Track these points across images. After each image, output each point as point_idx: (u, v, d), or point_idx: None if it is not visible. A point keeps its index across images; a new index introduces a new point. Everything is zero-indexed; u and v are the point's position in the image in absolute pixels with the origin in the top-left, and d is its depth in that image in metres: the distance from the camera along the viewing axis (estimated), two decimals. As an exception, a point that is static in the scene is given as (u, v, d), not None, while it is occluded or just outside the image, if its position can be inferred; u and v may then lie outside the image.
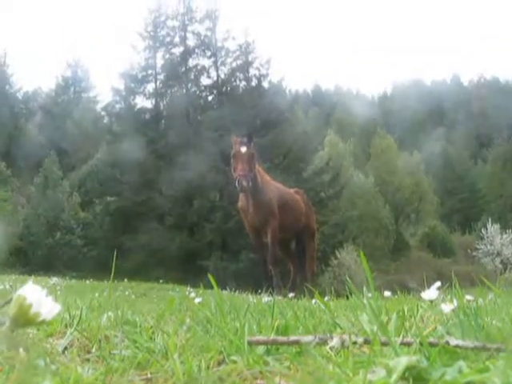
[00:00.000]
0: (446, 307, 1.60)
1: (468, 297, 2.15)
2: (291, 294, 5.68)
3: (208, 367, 1.07)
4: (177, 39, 36.92)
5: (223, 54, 36.36)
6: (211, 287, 1.46)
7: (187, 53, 36.37)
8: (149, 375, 1.04)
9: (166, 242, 30.61)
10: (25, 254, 31.68)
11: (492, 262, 35.11)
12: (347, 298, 3.31)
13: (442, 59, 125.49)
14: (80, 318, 1.69)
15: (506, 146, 53.51)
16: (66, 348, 1.35)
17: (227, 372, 0.98)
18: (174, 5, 36.98)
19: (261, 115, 33.21)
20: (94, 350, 1.34)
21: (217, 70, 36.37)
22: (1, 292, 8.19)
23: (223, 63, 36.50)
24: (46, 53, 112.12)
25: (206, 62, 36.59)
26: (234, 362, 1.07)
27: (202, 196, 32.07)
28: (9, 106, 46.12)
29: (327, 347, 1.06)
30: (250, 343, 1.11)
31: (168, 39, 36.74)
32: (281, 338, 1.11)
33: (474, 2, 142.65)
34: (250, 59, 35.74)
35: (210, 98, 37.54)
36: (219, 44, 36.34)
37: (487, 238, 36.36)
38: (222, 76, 36.38)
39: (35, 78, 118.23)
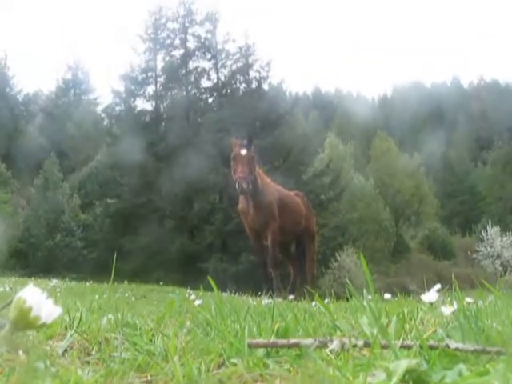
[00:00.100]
0: (446, 310, 1.60)
1: (468, 299, 2.14)
2: (291, 297, 5.69)
3: (208, 370, 1.07)
4: (177, 41, 36.97)
5: (223, 56, 36.39)
6: (211, 289, 1.46)
7: (187, 55, 36.40)
8: (149, 378, 1.04)
9: (166, 244, 30.59)
10: (25, 256, 31.68)
11: (492, 265, 35.10)
12: (347, 300, 3.32)
13: (442, 61, 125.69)
14: (80, 320, 1.69)
15: (506, 148, 53.53)
16: (65, 350, 1.35)
17: (227, 375, 0.98)
18: (174, 7, 37.03)
19: (261, 117, 33.22)
20: (94, 352, 1.34)
21: (217, 72, 36.40)
22: (1, 294, 8.19)
23: (223, 65, 36.54)
24: (46, 55, 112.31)
25: (206, 65, 36.65)
26: (234, 364, 1.07)
27: (202, 198, 32.07)
28: (9, 107, 46.16)
29: (327, 350, 1.06)
30: (250, 346, 1.11)
31: (168, 41, 36.78)
32: (281, 341, 1.12)
33: (474, 5, 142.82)
34: (250, 61, 35.78)
35: (210, 100, 37.57)
36: (219, 46, 36.39)
37: (487, 240, 36.36)
38: (222, 78, 36.42)
39: (36, 80, 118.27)
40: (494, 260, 35.22)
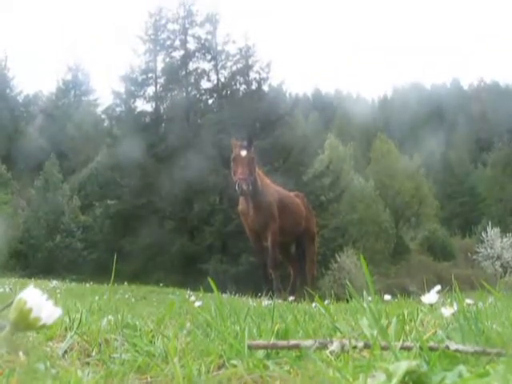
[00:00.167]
0: (446, 311, 1.60)
1: (468, 300, 2.14)
2: (291, 298, 5.69)
3: (208, 371, 1.07)
4: (177, 43, 36.98)
5: (223, 57, 36.41)
6: (211, 290, 1.46)
7: (187, 56, 36.42)
8: (149, 379, 1.04)
9: (166, 245, 30.59)
10: (25, 257, 31.67)
11: (492, 266, 35.09)
12: (347, 301, 3.32)
13: (442, 63, 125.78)
14: (80, 321, 1.69)
15: (506, 149, 53.53)
16: (66, 351, 1.35)
17: (227, 376, 0.98)
18: (174, 8, 37.04)
19: (261, 118, 33.23)
20: (94, 353, 1.34)
21: (217, 73, 36.42)
22: (1, 295, 8.19)
23: (223, 67, 36.56)
24: (46, 56, 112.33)
25: (206, 66, 36.67)
26: (234, 366, 1.07)
27: (202, 199, 32.07)
28: (9, 109, 46.15)
29: (327, 351, 1.06)
30: (250, 347, 1.11)
31: (168, 42, 36.80)
32: (281, 342, 1.12)
33: (474, 6, 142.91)
34: (250, 63, 35.80)
35: (210, 101, 37.58)
36: (219, 47, 36.41)
37: (487, 241, 36.35)
38: (222, 79, 36.43)
39: (36, 81, 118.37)
40: (494, 261, 35.21)
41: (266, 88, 36.01)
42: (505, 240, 35.74)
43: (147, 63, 36.47)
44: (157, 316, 2.28)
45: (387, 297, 3.55)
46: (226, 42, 36.29)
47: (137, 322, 1.81)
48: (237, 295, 8.88)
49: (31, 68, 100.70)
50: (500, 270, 34.00)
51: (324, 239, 27.06)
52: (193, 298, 5.15)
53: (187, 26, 36.67)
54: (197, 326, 1.63)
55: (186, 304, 3.60)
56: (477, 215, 49.81)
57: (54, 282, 14.75)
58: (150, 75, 36.45)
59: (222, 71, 36.51)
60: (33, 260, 31.15)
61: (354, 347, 1.04)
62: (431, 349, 0.97)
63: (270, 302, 3.73)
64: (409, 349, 1.00)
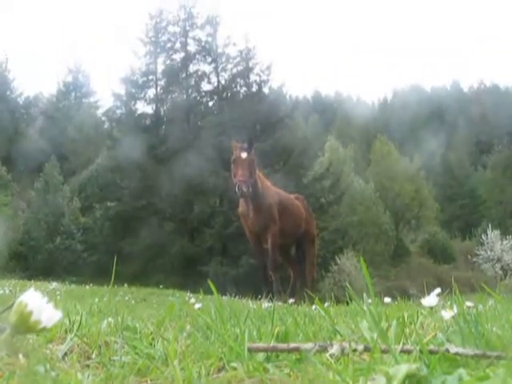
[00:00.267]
0: (446, 314, 1.60)
1: (468, 303, 2.14)
2: (291, 300, 5.68)
3: (208, 374, 1.07)
4: (178, 45, 37.02)
5: (224, 59, 36.45)
6: (211, 293, 1.46)
7: (188, 58, 36.46)
8: (149, 382, 1.04)
9: (166, 247, 30.58)
10: (25, 259, 31.66)
11: (492, 268, 35.07)
12: (347, 304, 3.31)
13: (441, 65, 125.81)
14: (80, 323, 1.69)
15: (506, 152, 53.52)
16: (65, 354, 1.34)
17: (227, 379, 0.98)
18: (175, 11, 37.08)
19: (261, 121, 33.26)
20: (94, 356, 1.34)
21: (217, 75, 36.45)
22: (1, 297, 8.18)
23: (224, 69, 36.60)
24: (47, 58, 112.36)
25: (206, 68, 36.70)
26: (234, 368, 1.07)
27: (203, 201, 32.08)
28: (10, 110, 46.16)
29: (327, 354, 1.06)
30: (250, 350, 1.11)
31: (169, 45, 36.84)
32: (281, 345, 1.11)
33: (474, 8, 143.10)
34: (250, 65, 35.83)
35: (210, 103, 37.62)
36: (220, 50, 36.45)
37: (487, 243, 36.33)
38: (223, 82, 36.46)
39: (36, 83, 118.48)
40: (494, 264, 35.18)
41: (266, 90, 36.07)
42: (505, 242, 35.72)
43: (148, 65, 36.52)
44: (157, 318, 2.28)
45: (387, 299, 3.55)
46: (226, 44, 36.37)
47: (137, 325, 1.81)
48: (237, 297, 8.88)
49: (32, 70, 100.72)
50: (500, 272, 33.97)
51: (324, 241, 27.06)
52: (193, 300, 5.15)
53: (188, 28, 36.72)
54: (197, 328, 1.63)
55: (186, 306, 3.60)
56: (477, 218, 49.80)
57: (54, 284, 14.74)
58: (150, 77, 36.49)
59: (223, 73, 36.57)
60: (33, 262, 31.13)
61: (354, 350, 1.04)
62: (431, 352, 0.97)
63: (269, 304, 3.72)
64: (409, 352, 1.00)
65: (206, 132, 31.93)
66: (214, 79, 36.57)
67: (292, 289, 9.39)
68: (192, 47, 36.84)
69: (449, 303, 2.25)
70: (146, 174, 32.33)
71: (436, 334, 1.27)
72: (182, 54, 36.69)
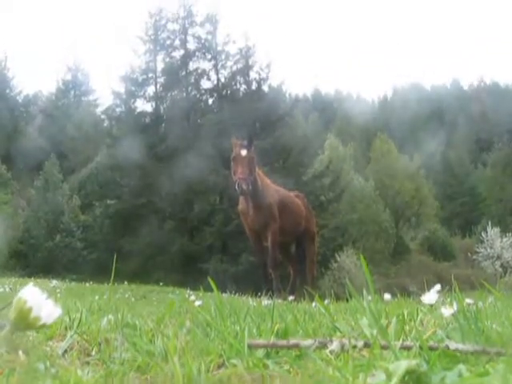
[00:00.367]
0: (446, 311, 1.60)
1: (468, 300, 2.14)
2: (291, 297, 5.68)
3: (208, 370, 1.07)
4: (177, 42, 36.98)
5: (223, 57, 36.41)
6: (211, 290, 1.46)
7: (187, 56, 36.42)
8: (149, 378, 1.04)
9: (166, 245, 30.59)
10: (25, 257, 31.67)
11: (492, 266, 35.10)
12: (347, 301, 3.31)
13: (441, 63, 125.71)
14: (80, 320, 1.69)
15: (506, 150, 53.52)
16: (65, 351, 1.35)
17: (227, 375, 0.98)
18: (174, 8, 37.04)
19: (261, 119, 33.24)
20: (93, 353, 1.34)
21: (217, 73, 36.41)
22: (1, 295, 8.19)
23: (223, 67, 36.56)
24: (46, 56, 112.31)
25: (206, 66, 36.66)
26: (234, 365, 1.07)
27: (202, 199, 32.06)
28: (9, 109, 46.13)
29: (327, 351, 1.06)
30: (249, 346, 1.11)
31: (168, 42, 36.79)
32: (281, 342, 1.12)
33: (474, 7, 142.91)
34: (250, 63, 35.80)
35: (210, 101, 37.58)
36: (219, 48, 36.40)
37: (487, 241, 36.37)
38: (223, 79, 36.43)
39: (36, 81, 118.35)
40: (493, 261, 35.22)
41: (266, 88, 36.03)
42: (505, 240, 35.75)
43: (147, 63, 36.48)
44: (157, 315, 2.28)
45: (387, 296, 3.54)
46: (226, 42, 36.32)
47: (137, 322, 1.81)
48: (237, 295, 8.89)
49: (31, 68, 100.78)
50: (500, 269, 34.01)
51: (324, 239, 27.06)
52: (193, 298, 5.15)
53: (187, 25, 36.67)
54: (197, 325, 1.63)
55: (186, 303, 3.60)
56: (477, 215, 49.81)
57: (54, 282, 14.77)
58: (150, 75, 36.45)
59: (222, 71, 36.53)
60: (33, 260, 31.14)
61: (354, 346, 1.04)
62: (431, 348, 0.97)
63: (269, 301, 3.72)
64: (409, 348, 1.00)
65: (205, 130, 31.90)
66: (213, 77, 36.56)
67: (292, 286, 9.40)
68: (191, 45, 36.82)
69: (449, 300, 2.25)
70: (146, 172, 32.31)
71: (436, 331, 1.27)
72: (182, 52, 36.64)
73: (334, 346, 1.05)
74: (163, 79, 36.58)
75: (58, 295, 7.20)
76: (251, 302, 4.71)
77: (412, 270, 36.88)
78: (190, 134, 32.35)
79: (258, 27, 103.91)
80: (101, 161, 37.46)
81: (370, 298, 1.28)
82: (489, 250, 35.84)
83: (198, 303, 3.10)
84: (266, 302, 3.84)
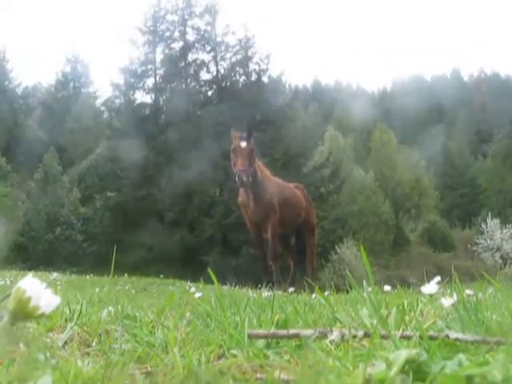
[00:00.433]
0: (446, 301, 1.60)
1: (468, 291, 2.14)
2: (291, 289, 5.69)
3: (208, 361, 1.07)
4: (176, 34, 36.82)
5: (223, 48, 36.27)
6: (211, 282, 1.46)
7: (187, 47, 36.28)
8: (149, 369, 1.05)
9: (166, 237, 30.61)
10: (25, 250, 31.72)
11: (492, 257, 35.14)
12: (347, 292, 3.32)
13: (442, 54, 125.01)
14: (80, 312, 1.70)
15: (506, 141, 53.43)
16: (66, 342, 1.35)
17: (227, 365, 0.98)
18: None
19: (260, 110, 33.16)
20: (94, 344, 1.34)
21: (216, 64, 36.29)
22: (2, 287, 8.21)
23: (223, 58, 36.43)
24: (45, 48, 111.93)
25: (205, 57, 36.54)
26: (234, 355, 1.07)
27: (202, 191, 32.06)
28: (8, 101, 46.06)
29: (327, 341, 1.06)
30: (250, 337, 1.11)
31: (167, 34, 36.64)
32: (281, 332, 1.12)
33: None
34: (249, 54, 35.67)
35: (209, 92, 37.48)
36: (219, 39, 36.26)
37: (487, 232, 36.38)
38: (222, 71, 36.31)
39: (35, 73, 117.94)
40: (493, 252, 35.25)
41: (265, 79, 35.93)
42: (504, 231, 35.77)
43: (146, 55, 36.34)
44: (157, 307, 2.28)
45: (387, 288, 3.55)
46: (225, 33, 36.17)
47: (137, 313, 1.81)
48: (237, 287, 8.90)
49: (30, 60, 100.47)
50: (500, 261, 34.04)
51: (324, 231, 27.09)
52: (193, 290, 5.16)
53: (186, 17, 36.51)
54: (197, 316, 1.64)
55: (186, 295, 3.61)
56: (477, 206, 49.81)
57: (55, 274, 14.81)
58: (149, 67, 36.33)
59: (222, 62, 36.41)
60: (33, 252, 31.19)
61: (354, 336, 1.05)
62: (431, 338, 0.97)
63: (269, 293, 3.73)
64: (409, 338, 1.00)
65: (205, 121, 31.83)
66: (213, 68, 36.43)
67: (292, 278, 9.42)
68: (191, 36, 36.69)
69: (448, 291, 2.25)
70: (146, 165, 32.27)
71: (436, 321, 1.27)
72: (181, 43, 36.50)
73: (334, 335, 1.05)
74: (162, 71, 36.47)
75: (59, 287, 7.22)
76: (251, 293, 4.72)
77: (412, 262, 36.92)
78: (189, 126, 32.29)
79: (258, 18, 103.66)
80: (101, 153, 37.43)
81: (370, 289, 1.28)
82: (489, 241, 35.86)
83: (198, 295, 3.11)
84: (266, 293, 3.85)
